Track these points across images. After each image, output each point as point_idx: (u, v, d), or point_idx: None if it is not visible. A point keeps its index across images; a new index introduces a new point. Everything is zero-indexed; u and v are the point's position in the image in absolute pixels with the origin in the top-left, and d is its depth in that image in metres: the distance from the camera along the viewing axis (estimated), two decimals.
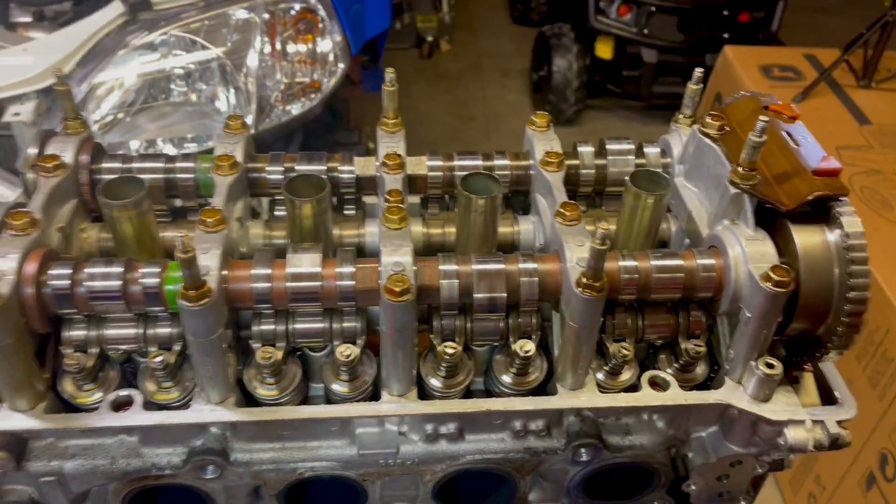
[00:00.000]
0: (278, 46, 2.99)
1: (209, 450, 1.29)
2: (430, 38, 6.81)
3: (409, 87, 6.29)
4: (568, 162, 1.45)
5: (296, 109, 3.04)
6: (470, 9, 7.58)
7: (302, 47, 3.05)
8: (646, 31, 5.59)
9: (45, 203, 1.29)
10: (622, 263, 1.25)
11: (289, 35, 3.02)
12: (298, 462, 1.33)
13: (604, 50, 5.79)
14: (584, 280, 1.17)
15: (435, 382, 1.31)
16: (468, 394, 1.35)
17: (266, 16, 2.99)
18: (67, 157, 1.37)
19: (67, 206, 1.36)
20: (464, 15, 7.38)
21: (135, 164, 1.42)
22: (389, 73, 1.41)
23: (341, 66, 3.10)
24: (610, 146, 1.50)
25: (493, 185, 1.33)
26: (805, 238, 1.22)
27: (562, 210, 1.30)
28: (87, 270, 1.19)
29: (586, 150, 1.50)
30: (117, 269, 1.19)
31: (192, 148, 2.93)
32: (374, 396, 1.33)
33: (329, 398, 1.35)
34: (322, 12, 3.08)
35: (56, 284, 1.18)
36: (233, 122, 1.45)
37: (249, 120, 2.83)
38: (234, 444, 1.31)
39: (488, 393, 1.38)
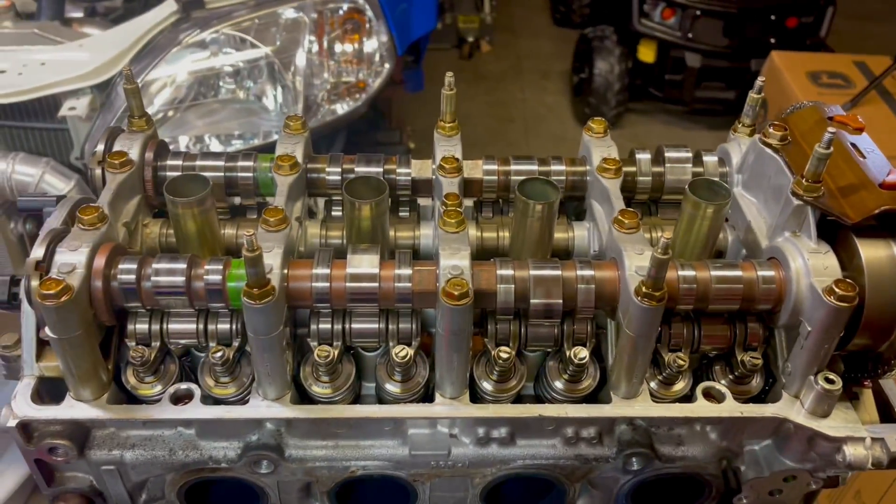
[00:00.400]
0: (326, 46, 3.02)
1: (264, 445, 1.31)
2: (470, 39, 6.81)
3: None
4: (625, 169, 1.45)
5: (341, 109, 3.07)
6: (511, 10, 7.56)
7: (349, 47, 3.08)
8: (690, 35, 5.53)
9: (112, 199, 1.33)
10: (681, 273, 1.24)
11: (336, 35, 3.05)
12: (351, 460, 1.34)
13: (646, 53, 5.74)
14: (643, 289, 1.16)
15: (487, 386, 1.31)
16: (519, 398, 1.35)
17: (314, 15, 3.02)
18: (133, 154, 1.40)
19: (132, 201, 1.39)
20: (505, 16, 7.36)
21: (197, 163, 1.44)
22: (449, 77, 1.42)
23: (387, 66, 3.12)
24: (668, 154, 1.49)
25: (550, 191, 1.34)
26: (871, 252, 1.20)
27: (620, 217, 1.30)
28: (154, 266, 1.22)
29: (643, 157, 1.49)
30: (182, 266, 1.22)
31: (238, 145, 2.98)
32: (426, 398, 1.34)
33: (381, 398, 1.36)
34: (369, 12, 3.11)
35: (123, 279, 1.21)
36: (293, 122, 1.47)
37: None
38: (288, 440, 1.33)
39: (539, 398, 1.39)
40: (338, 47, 3.06)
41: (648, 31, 5.65)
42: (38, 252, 1.18)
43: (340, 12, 3.06)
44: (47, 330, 1.16)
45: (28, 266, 1.18)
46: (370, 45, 3.08)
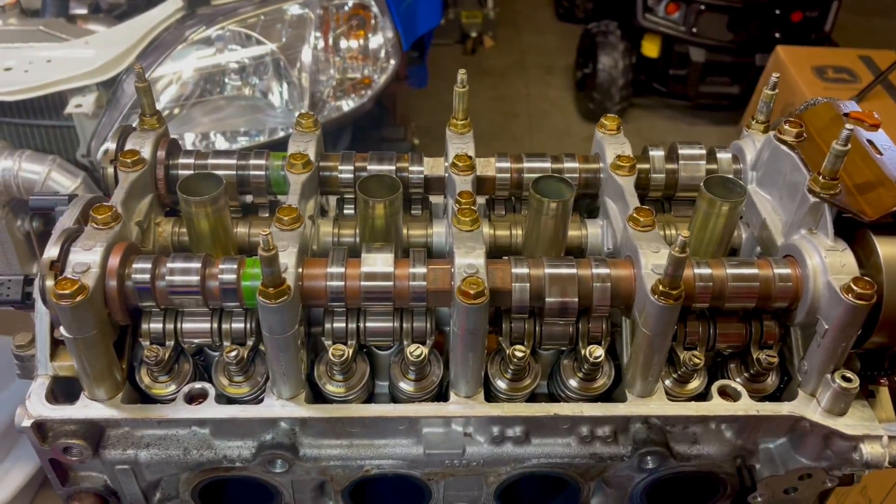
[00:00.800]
0: (331, 42, 3.01)
1: (279, 444, 1.31)
2: (474, 34, 6.78)
3: (452, 82, 6.22)
4: (638, 166, 1.44)
5: (347, 105, 3.06)
6: (514, 5, 7.53)
7: (354, 43, 3.06)
8: (694, 30, 5.51)
9: (125, 198, 1.32)
10: (697, 271, 1.24)
11: (341, 31, 3.04)
12: (365, 459, 1.34)
13: (650, 48, 5.72)
14: (660, 287, 1.16)
15: (501, 384, 1.31)
16: (533, 397, 1.35)
17: (320, 11, 3.00)
18: (145, 152, 1.39)
19: (145, 200, 1.38)
20: (508, 11, 7.34)
21: (209, 161, 1.44)
22: (462, 75, 1.42)
23: (392, 62, 3.10)
24: (681, 151, 1.48)
25: (564, 189, 1.33)
26: (889, 250, 1.19)
27: (635, 215, 1.29)
28: (168, 265, 1.21)
29: (657, 153, 1.48)
30: (196, 265, 1.21)
31: (244, 142, 2.97)
32: (440, 396, 1.34)
33: (395, 396, 1.36)
34: (375, 8, 3.10)
35: (138, 278, 1.20)
36: (305, 120, 1.47)
37: None
38: (303, 439, 1.32)
39: (552, 397, 1.38)
40: (343, 43, 3.05)
41: (652, 25, 5.62)
42: (52, 251, 1.18)
43: (346, 8, 3.05)
44: (62, 329, 1.15)
45: (43, 265, 1.18)
46: (376, 41, 3.07)
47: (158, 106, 2.75)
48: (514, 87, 6.46)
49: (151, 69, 2.74)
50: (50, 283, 1.14)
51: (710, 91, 5.63)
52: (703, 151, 1.49)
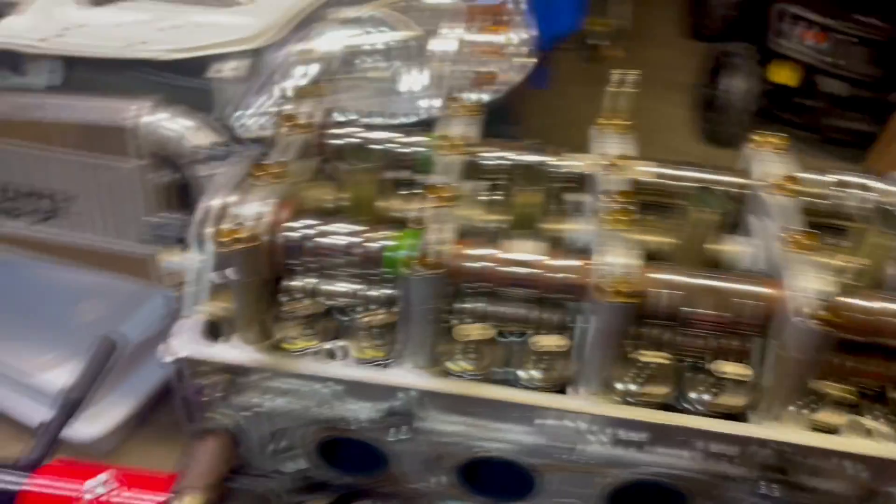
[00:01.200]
0: (472, 34, 3.05)
1: (402, 413, 1.34)
2: (597, 42, 6.73)
3: (568, 87, 6.22)
4: (797, 188, 1.40)
5: (480, 98, 3.09)
6: (641, 17, 7.41)
7: (493, 38, 3.09)
8: (829, 60, 5.28)
9: (291, 158, 1.39)
10: (857, 302, 1.20)
11: (483, 25, 3.08)
12: (481, 440, 1.36)
13: (781, 74, 5.52)
14: (816, 313, 1.13)
15: (632, 388, 1.30)
16: (661, 405, 1.34)
17: (463, 3, 3.05)
18: (311, 118, 1.46)
19: (308, 163, 1.45)
20: (635, 23, 7.23)
21: (371, 134, 1.49)
22: (631, 75, 1.42)
23: (528, 60, 3.12)
24: (843, 178, 1.44)
25: (721, 202, 1.32)
26: None
27: (794, 237, 1.26)
28: (328, 227, 1.27)
29: (817, 178, 1.44)
30: (354, 229, 1.27)
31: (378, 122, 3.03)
32: (562, 390, 1.35)
33: (517, 383, 1.37)
34: (517, 6, 3.12)
35: (298, 235, 1.27)
36: (463, 104, 1.50)
37: (437, 103, 2.90)
38: (425, 411, 1.36)
39: (677, 407, 1.36)
40: (483, 37, 3.08)
41: (784, 51, 5.43)
42: (230, 198, 1.25)
43: (489, 3, 3.09)
44: (228, 273, 1.23)
45: (215, 209, 1.25)
46: (514, 38, 3.09)
47: (304, 81, 2.88)
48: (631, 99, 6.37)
49: (301, 42, 2.85)
50: (227, 226, 1.22)
51: (843, 126, 5.39)
52: (868, 181, 1.44)
